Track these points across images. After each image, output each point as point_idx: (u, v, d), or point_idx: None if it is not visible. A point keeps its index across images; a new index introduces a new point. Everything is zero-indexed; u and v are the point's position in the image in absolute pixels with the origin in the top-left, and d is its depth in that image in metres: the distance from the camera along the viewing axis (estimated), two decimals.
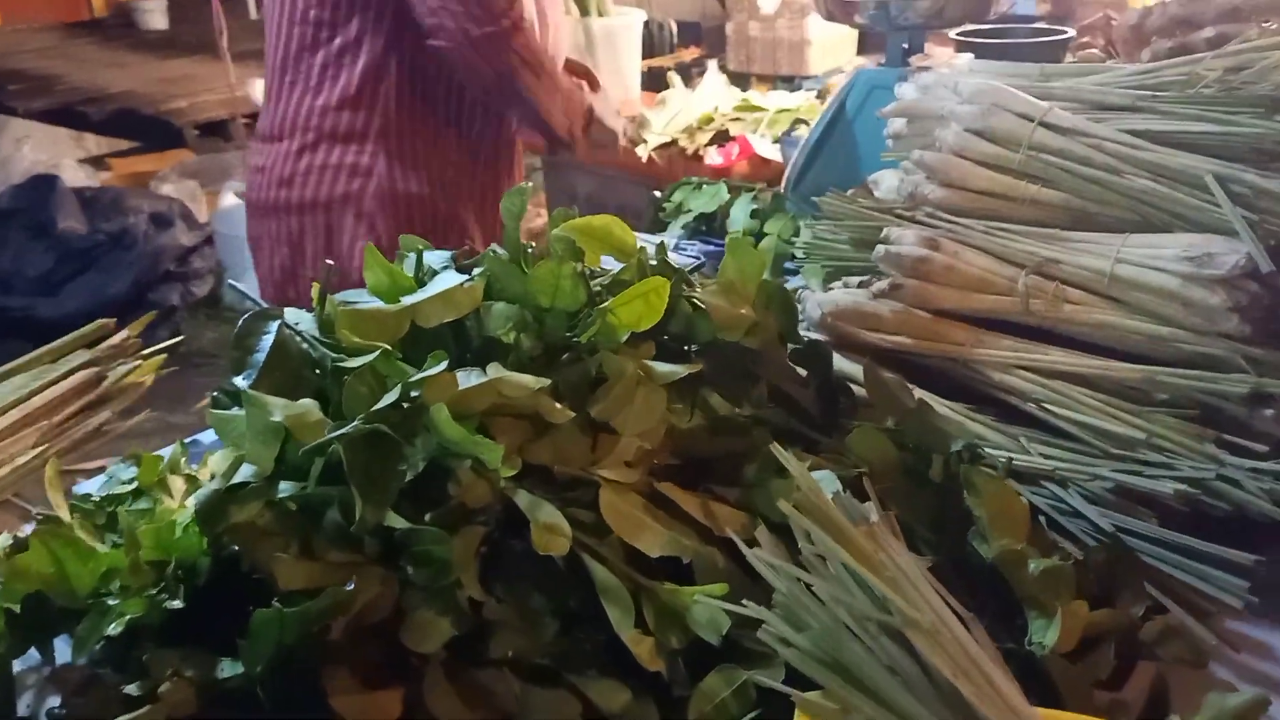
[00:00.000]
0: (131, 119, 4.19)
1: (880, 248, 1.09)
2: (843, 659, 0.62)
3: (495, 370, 0.78)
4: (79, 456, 1.21)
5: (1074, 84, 1.20)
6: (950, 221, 1.11)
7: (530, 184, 0.99)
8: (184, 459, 0.96)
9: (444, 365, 0.77)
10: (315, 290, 0.92)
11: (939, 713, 0.59)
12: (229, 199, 3.96)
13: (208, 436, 1.21)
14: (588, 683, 0.71)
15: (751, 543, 0.76)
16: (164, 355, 1.31)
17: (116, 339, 1.27)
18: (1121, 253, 1.02)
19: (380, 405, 0.74)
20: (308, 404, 0.75)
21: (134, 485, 0.92)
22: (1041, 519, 0.91)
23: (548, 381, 0.78)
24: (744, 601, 0.68)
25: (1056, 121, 1.11)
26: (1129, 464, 0.93)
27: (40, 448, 1.11)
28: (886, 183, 1.29)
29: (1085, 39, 2.35)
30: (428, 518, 0.74)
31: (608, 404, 0.82)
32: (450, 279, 0.85)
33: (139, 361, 1.23)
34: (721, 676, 0.70)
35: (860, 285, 1.13)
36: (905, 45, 1.71)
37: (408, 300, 0.84)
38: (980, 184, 1.13)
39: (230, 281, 3.73)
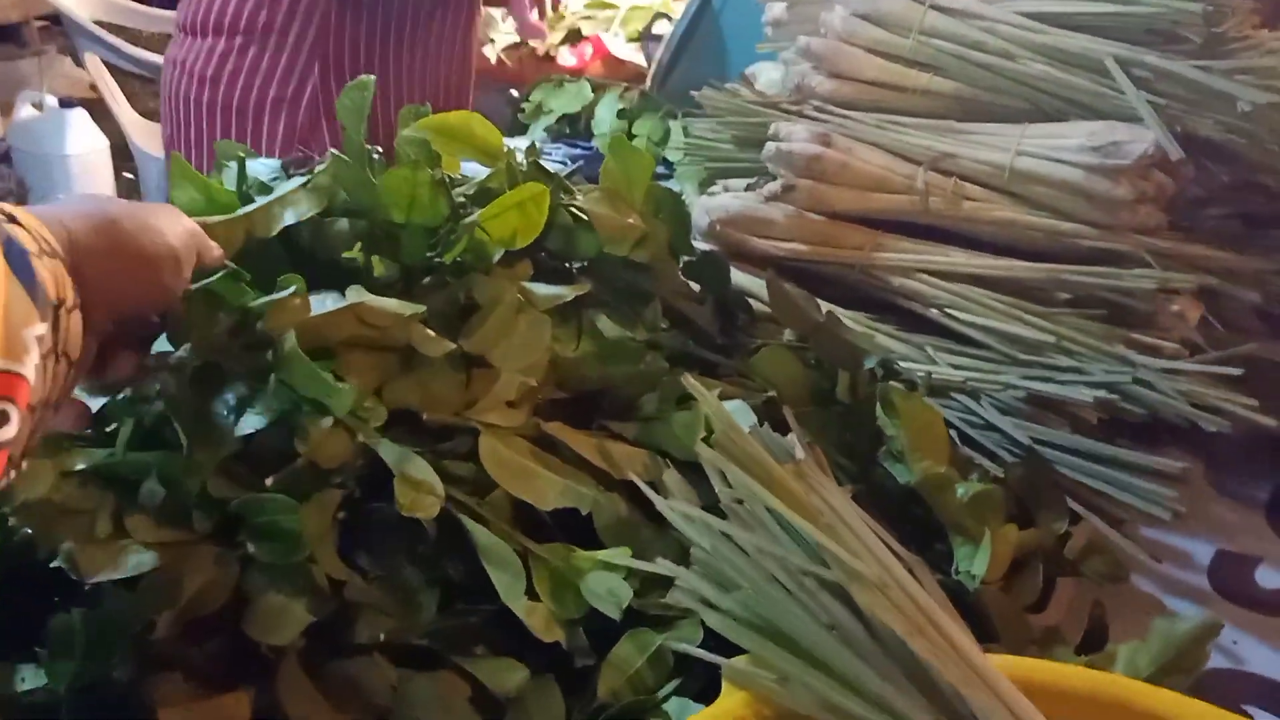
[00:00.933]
0: None
1: (770, 145, 0.99)
2: (775, 620, 0.54)
3: (356, 294, 0.65)
4: None
5: None
6: (841, 115, 1.03)
7: (373, 77, 0.84)
8: None
9: (293, 290, 0.64)
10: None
11: (889, 674, 0.52)
12: (26, 110, 3.55)
13: None
14: (476, 663, 0.61)
15: (657, 487, 0.67)
16: None
17: None
18: (1021, 144, 0.96)
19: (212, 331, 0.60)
20: None
21: None
22: (953, 433, 0.86)
23: (420, 308, 0.66)
24: (658, 559, 0.59)
25: (947, 3, 1.03)
26: (1039, 370, 0.88)
27: None
28: (766, 75, 1.19)
29: None
30: (270, 482, 0.61)
31: (483, 335, 0.71)
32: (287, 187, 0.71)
33: None
34: (633, 643, 0.61)
35: (748, 188, 1.04)
36: None
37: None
38: (871, 74, 1.05)
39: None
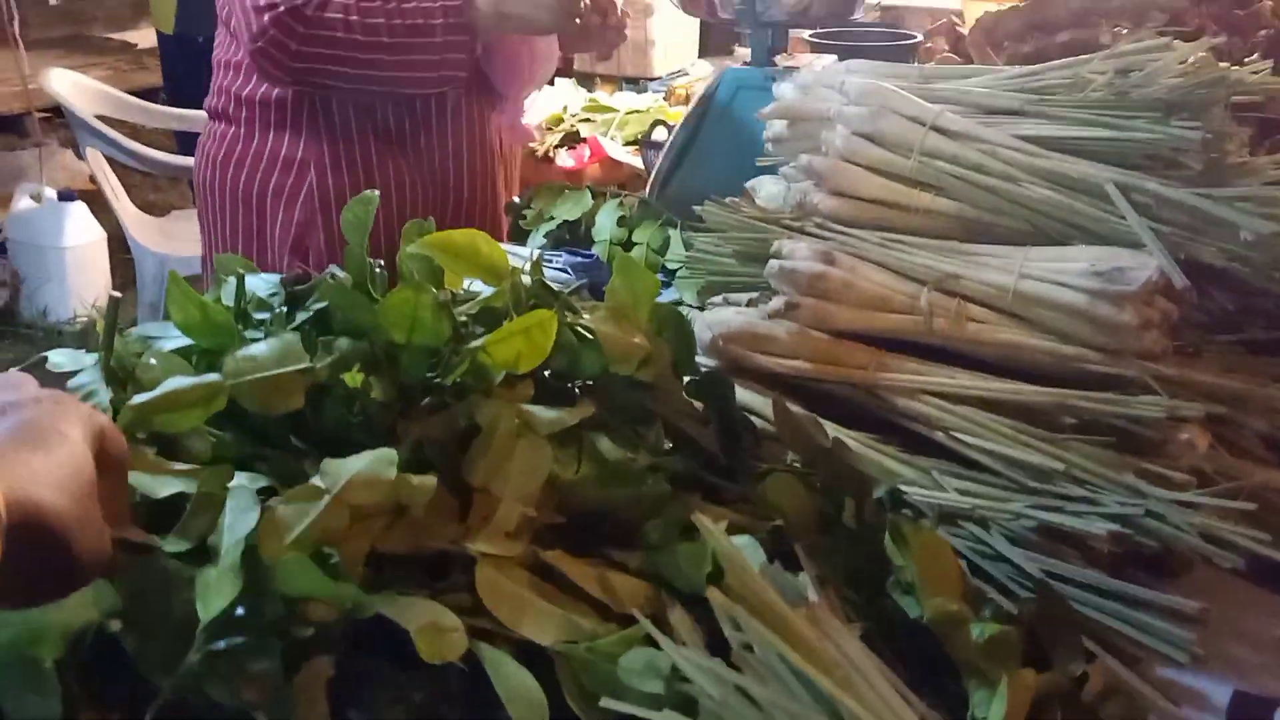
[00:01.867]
0: None
1: (773, 263, 0.99)
2: None
3: (335, 473, 0.62)
4: None
5: (958, 85, 1.13)
6: (843, 233, 1.03)
7: (376, 191, 0.84)
8: None
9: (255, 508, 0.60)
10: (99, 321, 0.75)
11: None
12: (24, 202, 3.56)
13: None
14: None
15: (661, 623, 0.65)
16: None
17: None
18: (1024, 267, 0.96)
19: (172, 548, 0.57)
20: None
21: None
22: (963, 562, 0.83)
23: (431, 484, 0.64)
24: (665, 711, 0.56)
25: (948, 126, 1.04)
26: (1049, 498, 0.86)
27: None
28: (767, 190, 1.20)
29: (930, 44, 2.35)
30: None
31: (483, 465, 0.69)
32: (276, 348, 0.69)
33: None
34: None
35: (750, 304, 1.03)
36: (769, 42, 1.63)
37: (224, 374, 0.67)
38: (872, 192, 1.05)
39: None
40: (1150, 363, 0.91)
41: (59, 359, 0.77)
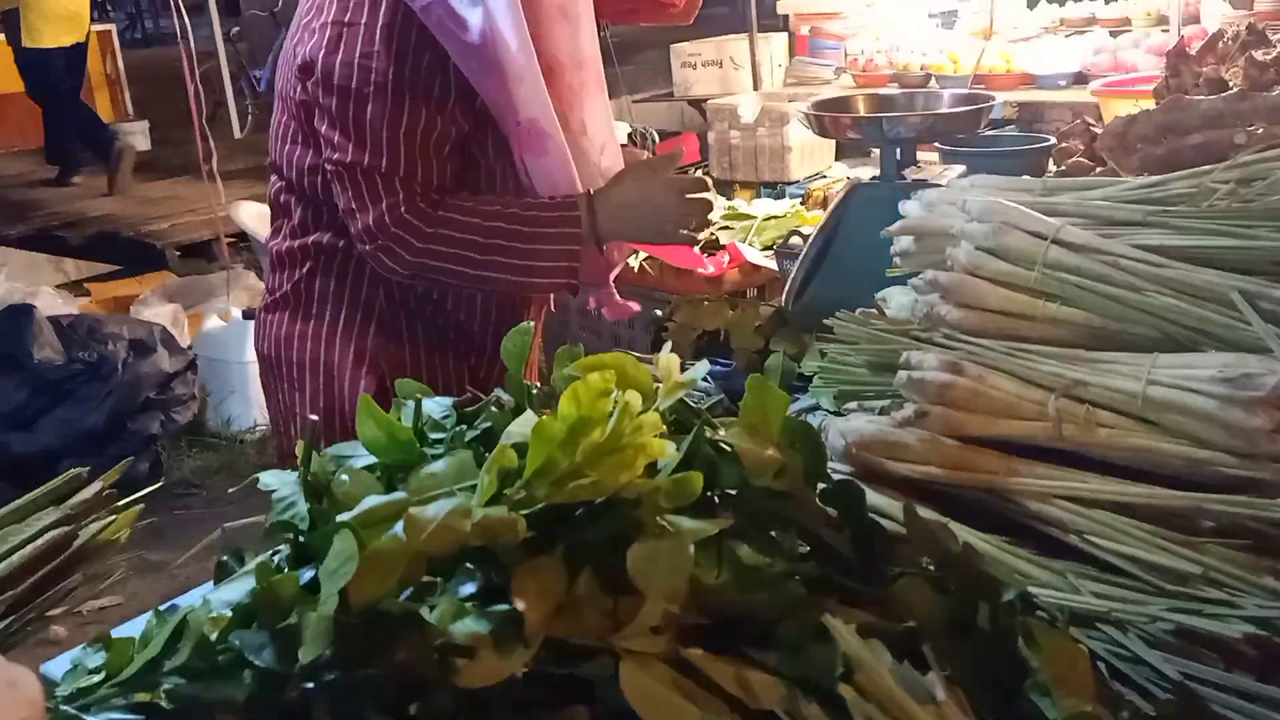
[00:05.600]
0: (111, 242, 4.17)
1: (902, 374, 1.04)
2: None
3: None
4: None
5: (1079, 198, 1.17)
6: (970, 343, 1.07)
7: (532, 323, 0.94)
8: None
9: None
10: (300, 449, 0.86)
11: None
12: (212, 321, 3.92)
13: (189, 598, 1.13)
14: None
15: (795, 719, 0.70)
16: (140, 506, 1.24)
17: (89, 492, 1.20)
18: (1152, 373, 0.98)
19: None
20: None
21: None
22: (1100, 664, 0.85)
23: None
24: None
25: (1070, 239, 1.08)
26: (1186, 601, 0.87)
27: (8, 619, 1.04)
28: (896, 300, 1.25)
29: (1065, 145, 2.38)
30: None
31: (632, 560, 0.76)
32: (454, 466, 0.78)
33: (113, 517, 1.16)
34: None
35: (881, 412, 1.08)
36: (898, 158, 1.71)
37: (409, 491, 0.77)
38: (996, 303, 1.10)
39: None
40: None
41: (269, 479, 0.88)
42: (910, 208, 1.24)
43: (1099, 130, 2.38)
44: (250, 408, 3.72)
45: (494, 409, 0.87)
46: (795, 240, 2.33)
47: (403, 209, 1.39)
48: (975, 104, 1.69)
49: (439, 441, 0.90)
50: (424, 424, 0.91)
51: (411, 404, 0.92)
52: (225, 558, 0.82)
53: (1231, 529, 0.91)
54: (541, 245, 1.42)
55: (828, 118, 1.69)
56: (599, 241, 1.47)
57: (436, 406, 0.92)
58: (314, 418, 0.89)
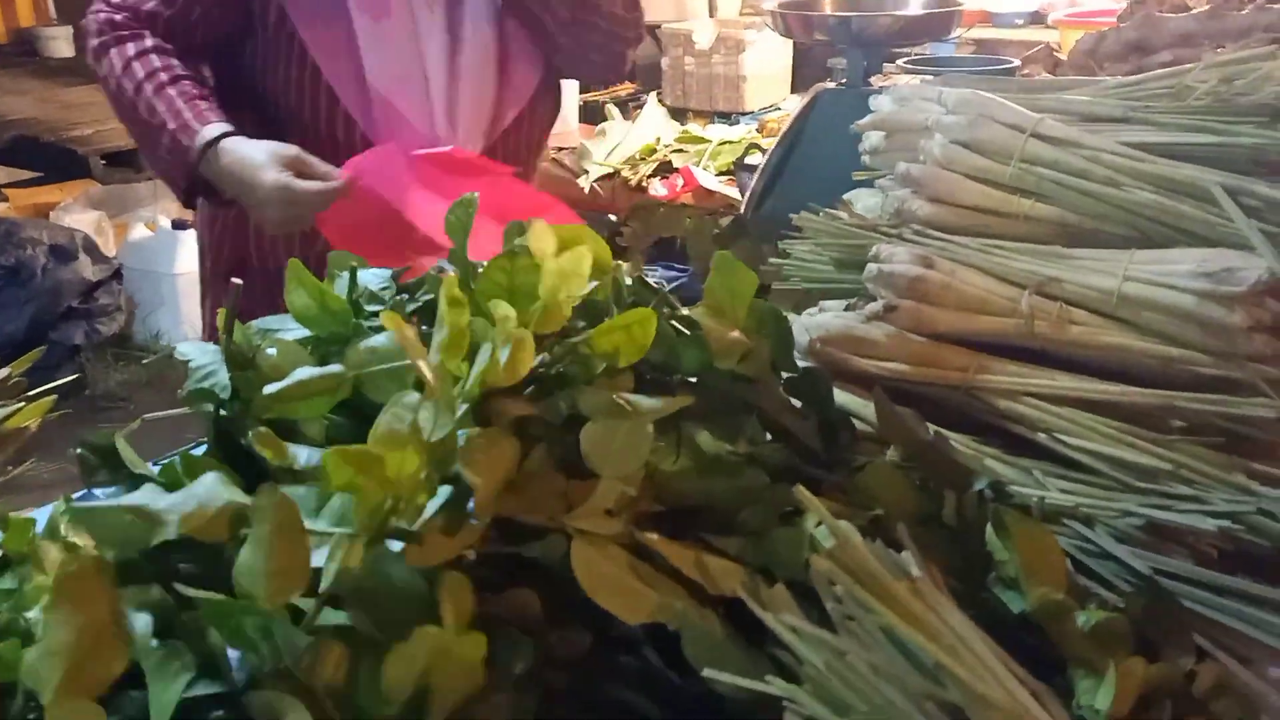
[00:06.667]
0: (31, 147, 3.96)
1: (871, 266, 1.00)
2: None
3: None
4: None
5: (1058, 96, 1.13)
6: (942, 239, 1.03)
7: (476, 193, 0.87)
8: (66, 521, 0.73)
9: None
10: (220, 317, 0.78)
11: None
12: (139, 230, 3.75)
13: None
14: None
15: (760, 603, 0.66)
16: (53, 397, 1.15)
17: None
18: (1129, 270, 0.95)
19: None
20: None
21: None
22: (1067, 561, 0.82)
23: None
24: (768, 678, 0.57)
25: (1049, 132, 1.04)
26: (1155, 498, 0.85)
27: None
28: (863, 201, 1.21)
29: (1028, 71, 2.34)
30: None
31: (585, 446, 0.71)
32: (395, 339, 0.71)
33: (21, 404, 1.08)
34: None
35: (848, 309, 1.04)
36: (864, 63, 1.65)
37: (346, 365, 0.71)
38: (971, 199, 1.05)
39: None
40: (1261, 364, 0.89)
41: (185, 349, 0.81)
42: (881, 102, 1.19)
43: (1062, 57, 2.35)
44: (180, 321, 3.59)
45: (437, 277, 0.80)
46: (755, 157, 2.27)
47: (101, 14, 1.37)
48: (946, 6, 1.63)
49: (377, 315, 0.84)
50: (359, 296, 0.84)
51: (345, 274, 0.85)
52: (81, 450, 0.73)
53: (1202, 428, 0.89)
54: (154, 154, 1.37)
55: (793, 16, 1.63)
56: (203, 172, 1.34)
57: (374, 277, 0.86)
58: (237, 281, 0.82)
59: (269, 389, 0.71)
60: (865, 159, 1.22)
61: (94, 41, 1.39)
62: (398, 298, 0.83)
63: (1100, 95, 1.11)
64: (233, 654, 0.58)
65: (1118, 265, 0.95)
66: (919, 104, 1.16)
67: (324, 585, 0.59)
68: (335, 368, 0.73)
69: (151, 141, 1.36)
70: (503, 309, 0.73)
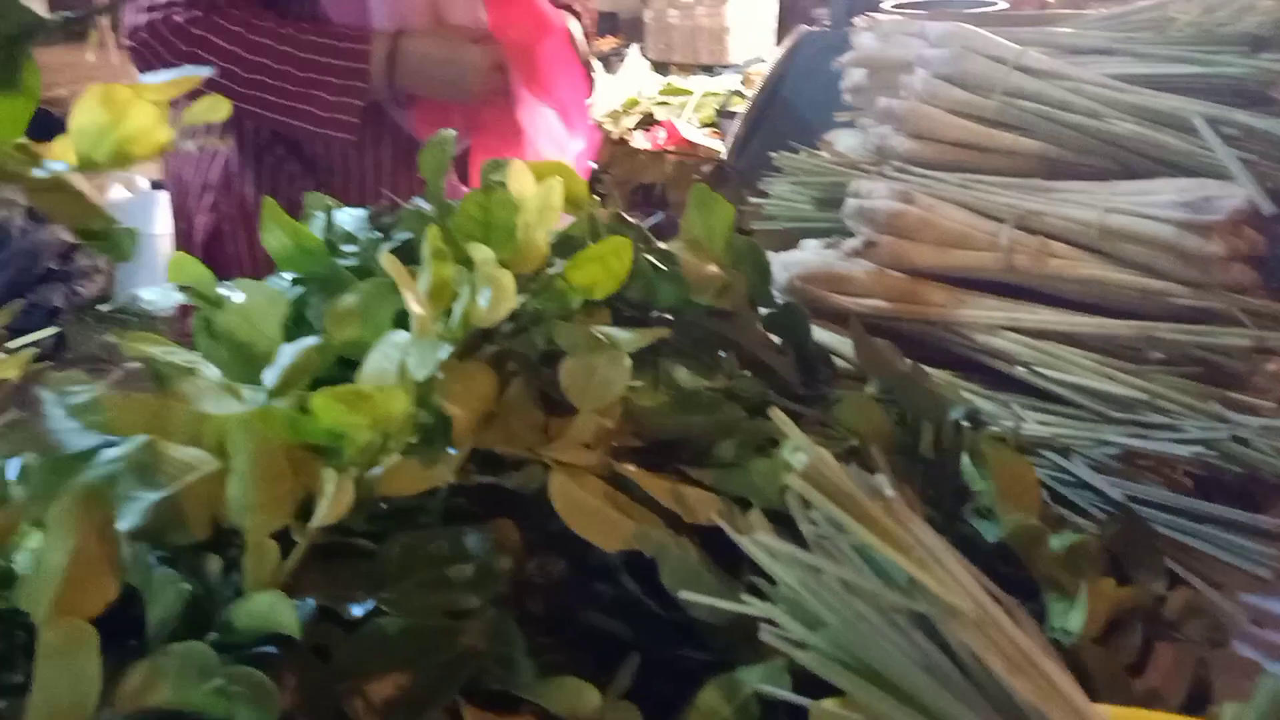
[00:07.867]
0: None
1: (850, 202, 0.99)
2: (867, 659, 0.52)
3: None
4: None
5: (1044, 30, 1.12)
6: (922, 175, 1.02)
7: (454, 131, 0.86)
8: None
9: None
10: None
11: (988, 716, 0.49)
12: (118, 191, 3.71)
13: None
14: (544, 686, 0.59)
15: (736, 529, 0.66)
16: (34, 350, 1.14)
17: None
18: (1110, 202, 0.94)
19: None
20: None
21: None
22: (1043, 491, 0.83)
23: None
24: (742, 596, 0.57)
25: (1032, 64, 1.03)
26: (1131, 428, 0.85)
27: None
28: (844, 141, 1.20)
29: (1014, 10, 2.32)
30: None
31: (567, 378, 0.71)
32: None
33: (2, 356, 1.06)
34: (719, 691, 0.59)
35: (826, 246, 1.03)
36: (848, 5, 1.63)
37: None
38: (953, 134, 1.05)
39: None
40: (1238, 294, 0.89)
41: (148, 294, 0.80)
42: (864, 39, 1.18)
43: None
44: (160, 282, 3.56)
45: (412, 216, 0.80)
46: (738, 103, 2.25)
47: (159, 16, 1.26)
48: None
49: (354, 255, 0.83)
50: (335, 236, 0.83)
51: (320, 215, 0.84)
52: None
53: (1179, 359, 0.89)
54: (316, 91, 1.24)
55: None
56: (392, 94, 1.28)
57: (349, 218, 0.85)
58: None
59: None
60: (847, 98, 1.21)
61: (181, 18, 1.27)
62: (373, 234, 0.82)
63: (1084, 28, 1.10)
64: None
65: (1099, 197, 0.95)
66: (902, 39, 1.14)
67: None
68: (312, 340, 0.71)
69: (314, 81, 1.24)
70: (482, 252, 0.72)
